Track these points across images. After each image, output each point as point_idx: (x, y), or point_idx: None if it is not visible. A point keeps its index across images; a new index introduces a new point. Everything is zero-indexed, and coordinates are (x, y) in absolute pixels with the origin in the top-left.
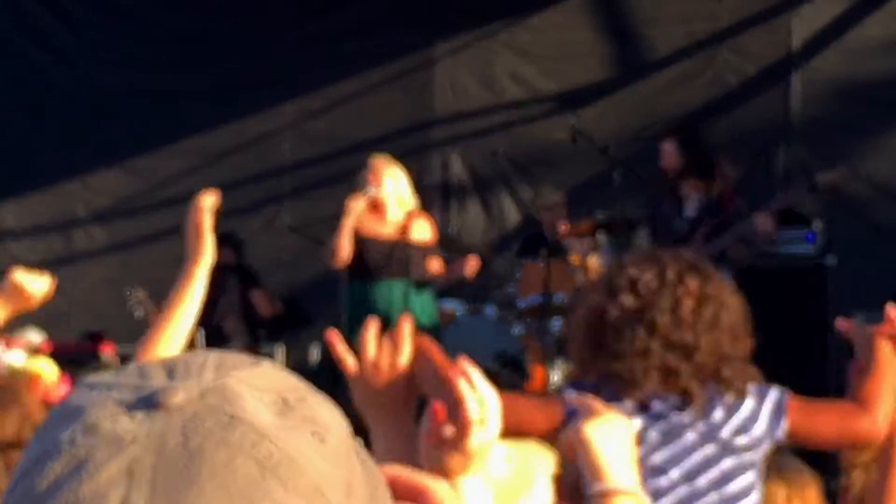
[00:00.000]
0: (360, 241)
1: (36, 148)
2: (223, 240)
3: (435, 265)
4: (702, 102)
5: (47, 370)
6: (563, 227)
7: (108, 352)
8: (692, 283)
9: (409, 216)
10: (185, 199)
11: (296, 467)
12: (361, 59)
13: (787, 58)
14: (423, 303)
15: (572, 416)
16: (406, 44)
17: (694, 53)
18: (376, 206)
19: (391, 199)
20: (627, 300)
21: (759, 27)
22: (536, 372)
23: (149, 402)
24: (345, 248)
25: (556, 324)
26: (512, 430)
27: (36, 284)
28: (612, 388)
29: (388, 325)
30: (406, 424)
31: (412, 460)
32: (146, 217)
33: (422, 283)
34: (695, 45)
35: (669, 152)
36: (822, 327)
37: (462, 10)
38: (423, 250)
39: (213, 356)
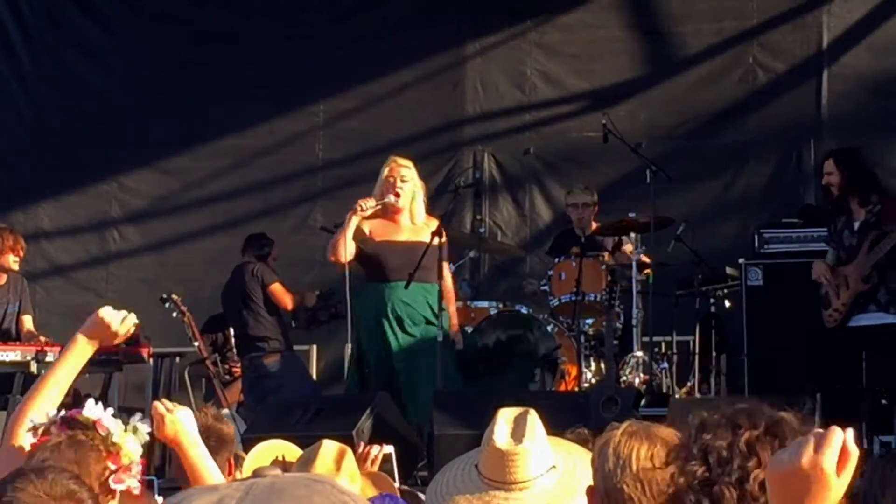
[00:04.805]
0: (377, 245)
1: (70, 149)
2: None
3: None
4: (732, 100)
5: (132, 448)
6: (594, 226)
7: (144, 353)
8: (764, 450)
9: (426, 221)
10: (219, 199)
11: None
12: (393, 59)
13: (817, 54)
14: (435, 306)
15: None
16: (437, 43)
17: (724, 51)
18: (391, 211)
19: (409, 206)
20: (697, 470)
21: (790, 24)
22: (570, 370)
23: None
24: (343, 245)
25: (589, 322)
26: None
27: (121, 321)
28: None
29: (400, 327)
30: None
31: None
32: (180, 217)
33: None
34: (725, 42)
35: (830, 171)
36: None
37: (493, 10)
38: (438, 255)
39: None
